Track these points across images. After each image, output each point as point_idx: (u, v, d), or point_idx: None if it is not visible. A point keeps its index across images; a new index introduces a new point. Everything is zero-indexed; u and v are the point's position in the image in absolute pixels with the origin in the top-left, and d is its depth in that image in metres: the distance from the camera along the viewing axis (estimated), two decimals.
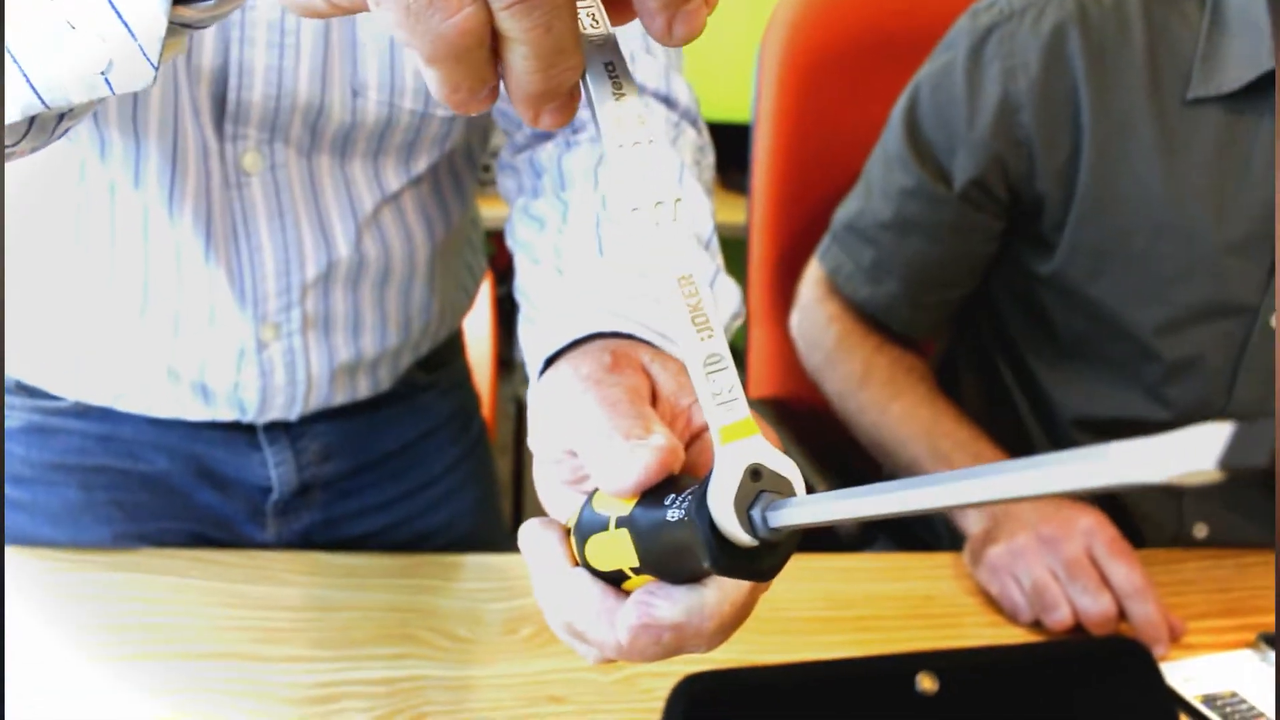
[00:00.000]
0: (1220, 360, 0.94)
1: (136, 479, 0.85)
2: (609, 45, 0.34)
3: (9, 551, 0.79)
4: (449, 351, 0.98)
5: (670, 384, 0.44)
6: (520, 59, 0.31)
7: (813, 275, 1.12)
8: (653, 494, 0.38)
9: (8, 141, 0.41)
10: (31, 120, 0.41)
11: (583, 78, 0.33)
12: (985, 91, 0.95)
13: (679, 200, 0.35)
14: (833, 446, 1.16)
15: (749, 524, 0.34)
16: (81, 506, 0.85)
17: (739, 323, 0.63)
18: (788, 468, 0.36)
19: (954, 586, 0.86)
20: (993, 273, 1.06)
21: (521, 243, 0.67)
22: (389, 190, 0.77)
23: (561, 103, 0.32)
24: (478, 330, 1.40)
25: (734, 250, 1.34)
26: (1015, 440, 1.05)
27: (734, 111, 1.35)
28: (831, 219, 1.10)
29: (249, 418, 0.82)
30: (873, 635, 0.79)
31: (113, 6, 0.35)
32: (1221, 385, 0.95)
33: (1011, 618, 0.81)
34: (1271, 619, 0.83)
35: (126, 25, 0.36)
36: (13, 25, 0.36)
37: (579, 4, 0.33)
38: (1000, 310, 1.07)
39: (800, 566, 0.85)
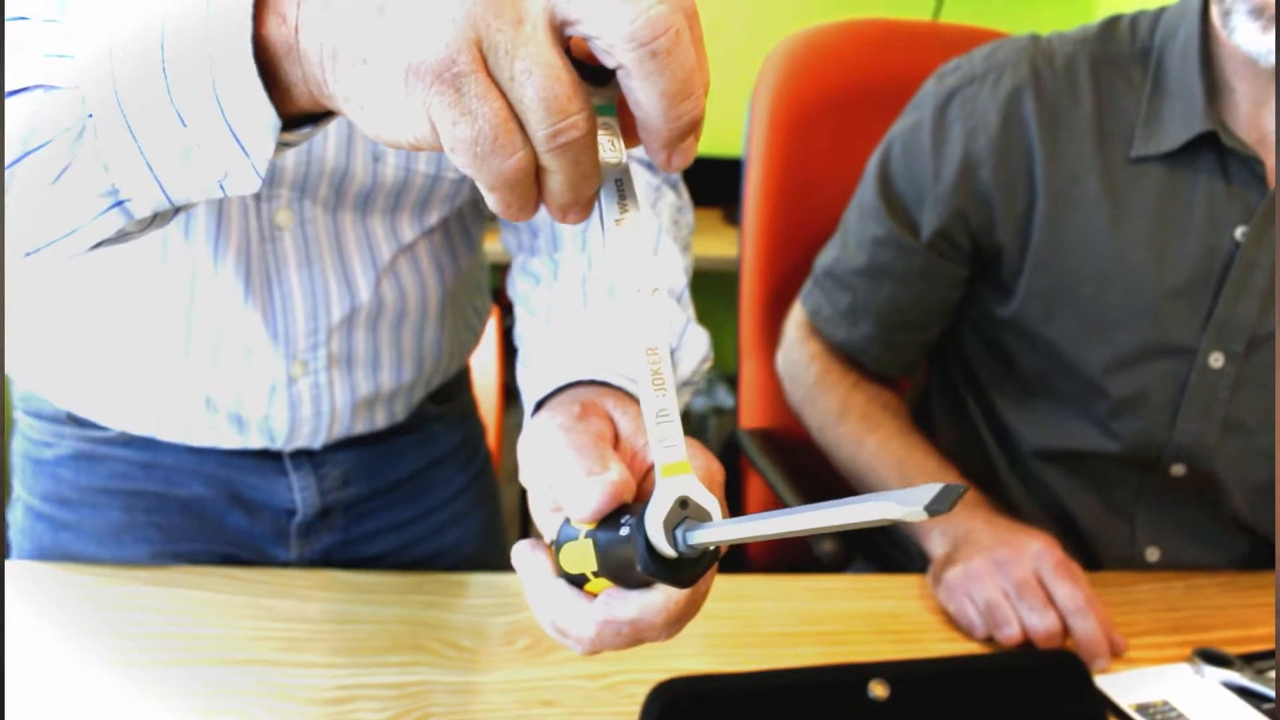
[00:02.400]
0: (1163, 397, 1.01)
1: (174, 503, 0.93)
2: (622, 168, 0.44)
3: (57, 568, 0.87)
4: (457, 386, 1.06)
5: (629, 427, 0.54)
6: (556, 184, 0.41)
7: (796, 316, 1.19)
8: (612, 515, 0.48)
9: (130, 229, 0.50)
10: (155, 214, 0.51)
11: (598, 190, 0.43)
12: (949, 149, 1.03)
13: (656, 289, 0.45)
14: (816, 476, 1.23)
15: (674, 541, 0.44)
16: (124, 527, 0.93)
17: (708, 365, 0.72)
18: (710, 501, 0.46)
19: (918, 605, 0.92)
20: (960, 315, 1.13)
21: (519, 295, 0.76)
22: (405, 241, 0.85)
23: (582, 208, 0.42)
24: (485, 361, 1.46)
25: (734, 282, 1.41)
26: (983, 470, 1.11)
27: (736, 147, 1.42)
28: (813, 264, 1.17)
29: (278, 445, 0.90)
30: (840, 649, 0.85)
31: (235, 137, 0.44)
32: (1165, 420, 1.01)
33: (967, 634, 0.88)
34: (1213, 636, 0.90)
35: (244, 149, 0.44)
36: (148, 138, 0.44)
37: (601, 131, 0.42)
38: (967, 350, 1.13)
39: (778, 586, 0.93)
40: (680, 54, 0.38)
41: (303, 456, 0.93)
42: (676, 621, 0.50)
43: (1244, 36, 0.88)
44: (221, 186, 0.46)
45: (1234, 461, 1.02)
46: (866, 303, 1.10)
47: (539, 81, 0.38)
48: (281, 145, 0.45)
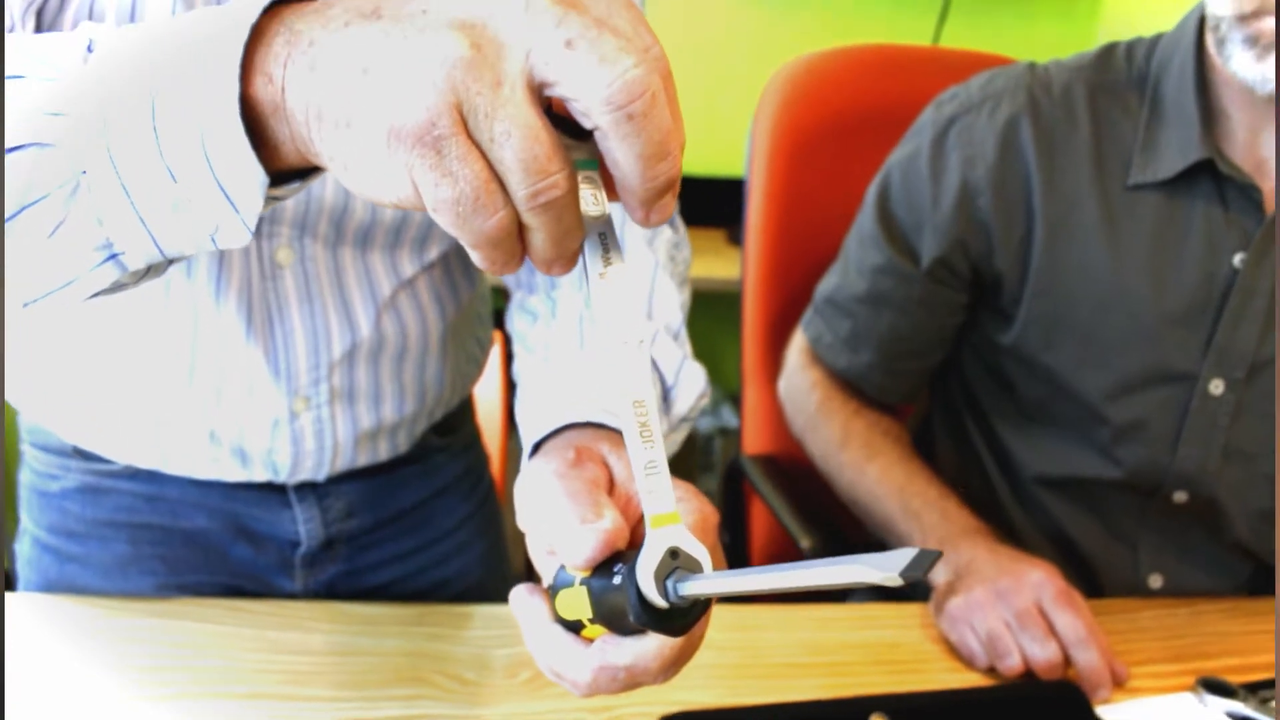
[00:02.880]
0: (1164, 424, 1.01)
1: (179, 535, 0.94)
2: (605, 220, 0.44)
3: (63, 600, 0.88)
4: (460, 416, 1.07)
5: (624, 473, 0.55)
6: (539, 240, 0.41)
7: (797, 344, 1.20)
8: (606, 562, 0.49)
9: (125, 280, 0.51)
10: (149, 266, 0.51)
11: (582, 243, 0.44)
12: (947, 177, 1.04)
13: (642, 341, 0.45)
14: (820, 502, 1.23)
15: (665, 591, 0.45)
16: (129, 559, 0.94)
17: (705, 401, 0.72)
18: (700, 551, 0.46)
19: (920, 635, 0.92)
20: (961, 342, 1.13)
21: (517, 333, 0.76)
22: (405, 276, 0.86)
23: (566, 262, 0.43)
24: (489, 385, 1.47)
25: (738, 302, 1.42)
26: (985, 496, 1.12)
27: (740, 167, 1.43)
28: (814, 291, 1.18)
29: (281, 478, 0.90)
30: (843, 680, 0.85)
31: (224, 193, 0.45)
32: (1166, 446, 1.02)
33: (968, 664, 0.88)
34: (1216, 664, 0.90)
35: (233, 204, 0.45)
36: (140, 193, 0.45)
37: (583, 184, 0.43)
38: (969, 377, 1.14)
39: (782, 616, 0.93)
40: (656, 116, 0.39)
41: (306, 489, 0.94)
42: (672, 666, 0.51)
43: (1239, 64, 0.89)
44: (213, 239, 0.47)
45: (1236, 488, 1.02)
46: (867, 330, 1.11)
47: (518, 143, 0.38)
48: (271, 199, 0.46)
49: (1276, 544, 1.03)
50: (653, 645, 0.49)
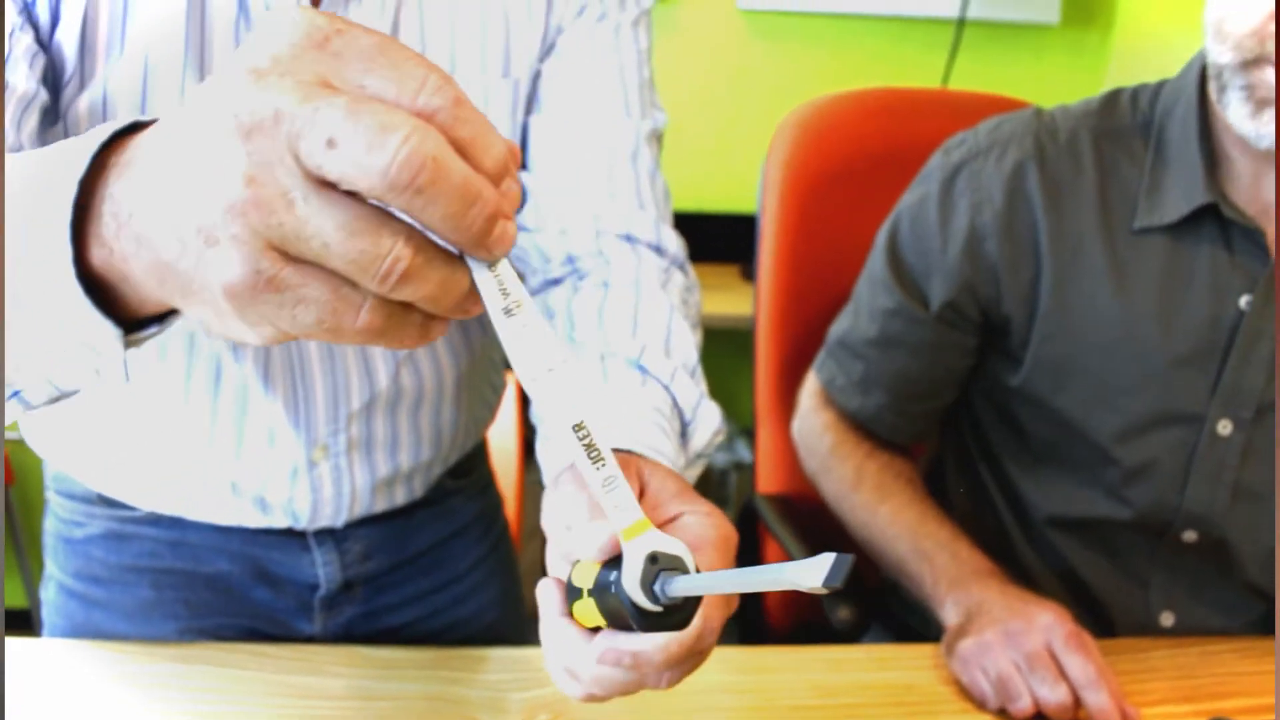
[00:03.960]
0: (1173, 464, 1.01)
1: (201, 579, 0.95)
2: (525, 307, 0.43)
3: (90, 646, 0.90)
4: (474, 459, 1.08)
5: (656, 485, 0.57)
6: (423, 303, 0.40)
7: (810, 385, 1.21)
8: (611, 563, 0.51)
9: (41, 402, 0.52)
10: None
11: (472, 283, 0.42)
12: (956, 222, 1.05)
13: (566, 361, 0.45)
14: (834, 543, 1.24)
15: (653, 596, 0.48)
16: (152, 604, 0.95)
17: (720, 438, 0.74)
18: (679, 548, 0.49)
19: (932, 676, 0.93)
20: (971, 384, 1.14)
21: None
22: None
23: (462, 307, 0.41)
24: (503, 431, 1.49)
25: (751, 339, 1.43)
26: (996, 537, 1.12)
27: (754, 203, 1.45)
28: (827, 333, 1.19)
29: (301, 525, 0.92)
30: None
31: (87, 346, 0.43)
32: (1175, 486, 1.02)
33: (980, 706, 0.88)
34: (1229, 705, 0.90)
35: (99, 354, 0.44)
36: (20, 343, 0.45)
37: (498, 279, 0.41)
38: (979, 418, 1.15)
39: (794, 658, 0.94)
40: (446, 177, 0.36)
41: (325, 533, 0.95)
42: (676, 664, 0.52)
43: (1236, 117, 0.90)
44: (99, 374, 0.47)
45: (1245, 528, 1.02)
46: (879, 373, 1.12)
47: (339, 247, 0.37)
48: (147, 337, 0.45)
49: (1277, 583, 1.03)
50: (659, 638, 0.51)
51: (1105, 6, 2.52)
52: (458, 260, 0.40)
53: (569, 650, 0.55)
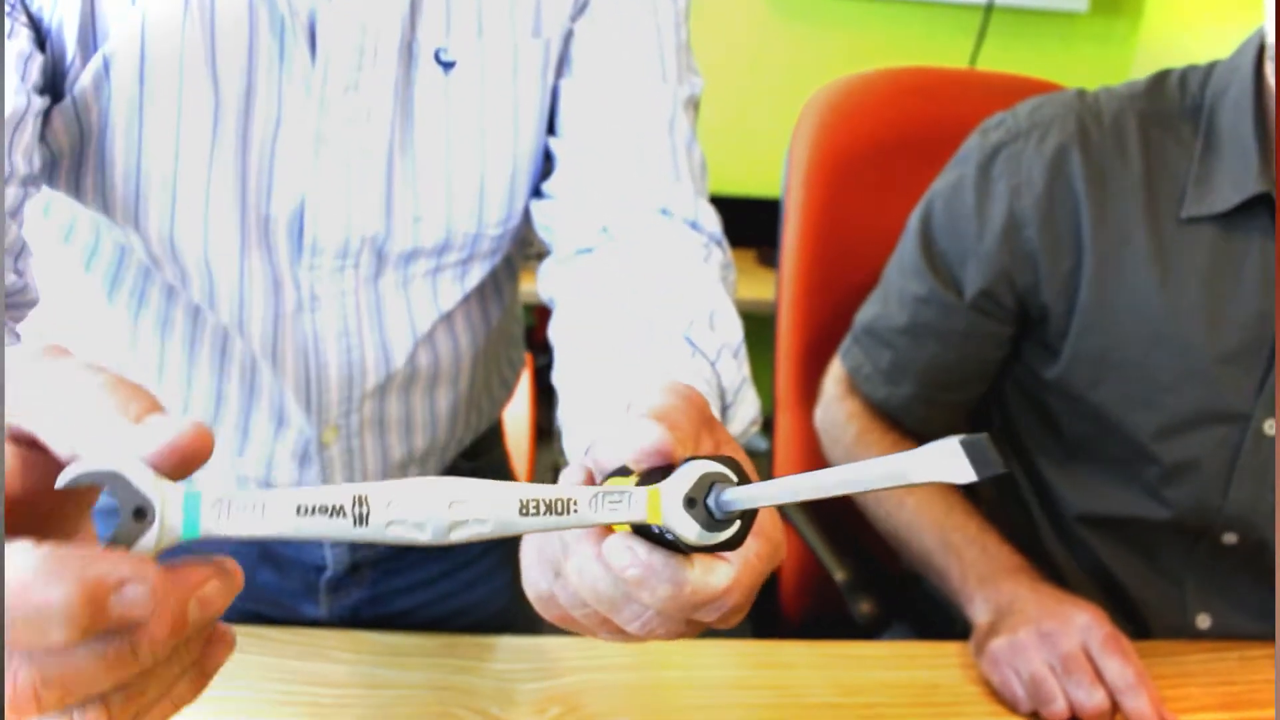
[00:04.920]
0: (1216, 464, 0.98)
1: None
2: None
3: None
4: (490, 440, 1.05)
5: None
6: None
7: (835, 373, 1.17)
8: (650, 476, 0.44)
9: None
10: None
11: None
12: (993, 207, 1.01)
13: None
14: (854, 534, 1.21)
15: (708, 512, 0.42)
16: None
17: (756, 428, 0.70)
18: (731, 463, 0.42)
19: (959, 675, 0.90)
20: (1004, 375, 1.11)
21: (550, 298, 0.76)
22: (445, 310, 0.84)
23: None
24: (517, 401, 1.46)
25: (767, 325, 1.40)
26: (1026, 533, 1.09)
27: (772, 188, 1.41)
28: (853, 319, 1.16)
29: None
30: None
31: None
32: (1218, 487, 0.98)
33: (1011, 708, 0.85)
34: (1269, 714, 0.87)
35: None
36: None
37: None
38: (1011, 411, 1.11)
39: (814, 653, 0.91)
40: None
41: None
42: (679, 604, 0.43)
43: None
44: None
45: None
46: (908, 361, 1.09)
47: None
48: None
49: (1277, 589, 1.00)
50: (680, 563, 0.43)
51: None
52: None
53: (566, 537, 0.46)
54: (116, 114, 0.69)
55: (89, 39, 0.68)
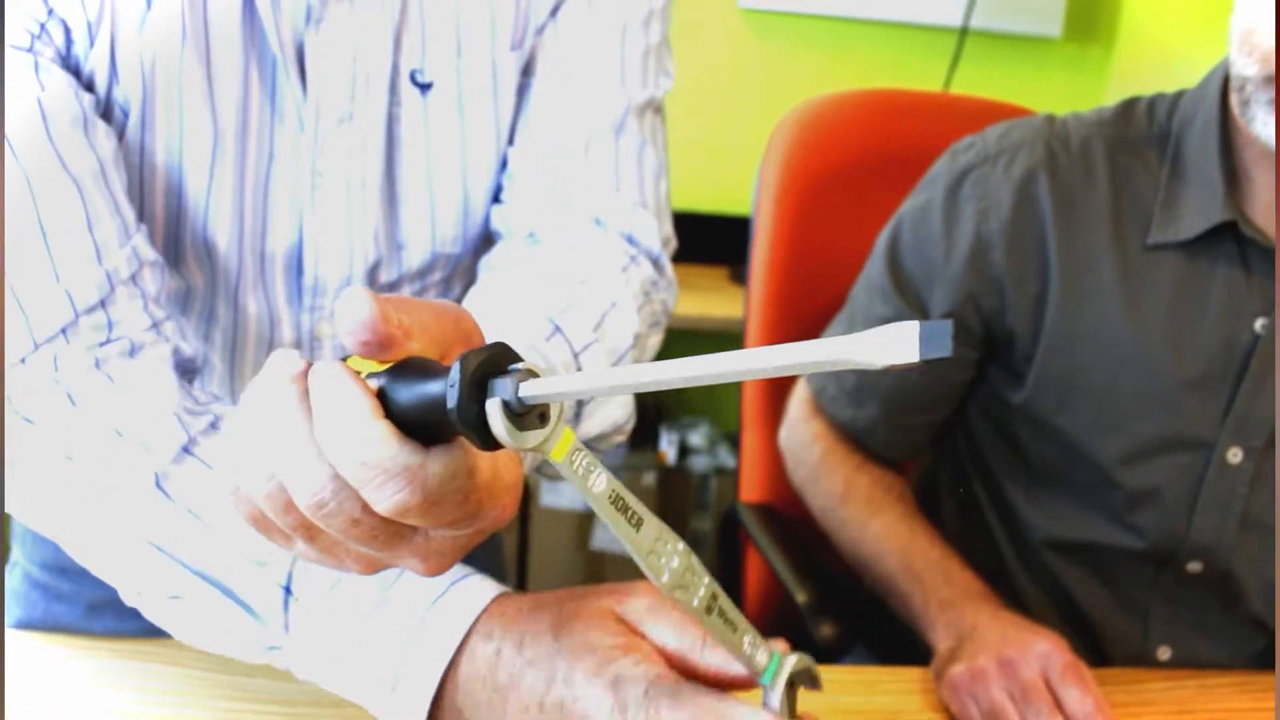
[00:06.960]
0: (1179, 492, 0.98)
1: None
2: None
3: (34, 637, 0.85)
4: None
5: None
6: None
7: (800, 394, 1.17)
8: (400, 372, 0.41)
9: None
10: None
11: None
12: (960, 230, 1.01)
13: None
14: (817, 555, 1.20)
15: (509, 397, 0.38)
16: (116, 600, 0.90)
17: (620, 439, 0.69)
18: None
19: (919, 701, 0.89)
20: (969, 398, 1.10)
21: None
22: None
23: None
24: None
25: (739, 343, 1.39)
26: (989, 558, 1.08)
27: (744, 205, 1.40)
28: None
29: None
30: None
31: None
32: (1182, 515, 0.98)
33: None
34: None
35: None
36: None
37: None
38: (976, 434, 1.11)
39: None
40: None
41: None
42: (389, 476, 0.39)
43: (1263, 128, 0.87)
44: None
45: (1253, 559, 0.99)
46: (873, 383, 1.08)
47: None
48: None
49: (1277, 616, 1.00)
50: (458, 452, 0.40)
51: (1108, 21, 2.50)
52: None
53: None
54: (129, 143, 0.69)
55: (110, 82, 0.67)
